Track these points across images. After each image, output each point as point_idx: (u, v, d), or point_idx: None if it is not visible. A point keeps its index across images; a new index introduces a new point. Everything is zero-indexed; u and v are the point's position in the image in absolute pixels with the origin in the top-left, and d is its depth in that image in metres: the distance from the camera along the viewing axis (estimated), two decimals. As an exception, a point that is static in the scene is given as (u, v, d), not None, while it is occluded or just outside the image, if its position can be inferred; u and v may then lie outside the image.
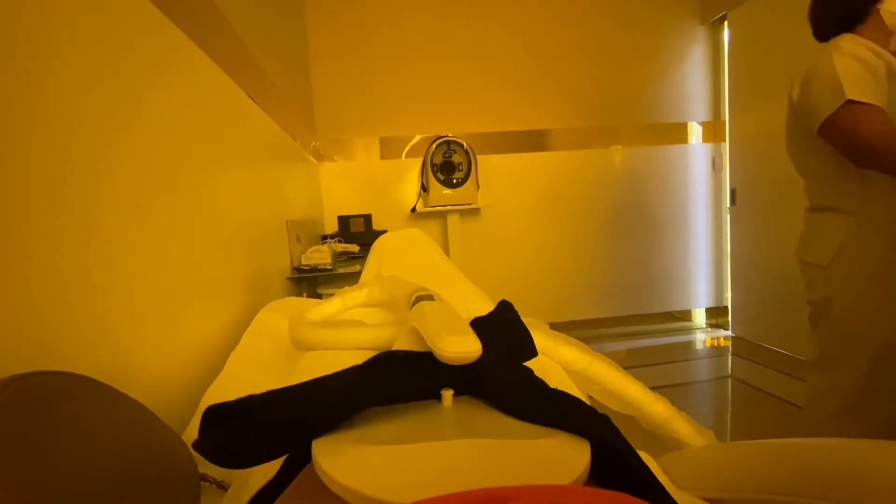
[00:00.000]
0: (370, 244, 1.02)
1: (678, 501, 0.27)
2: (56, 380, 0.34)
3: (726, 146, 2.64)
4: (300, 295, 1.41)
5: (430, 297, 0.49)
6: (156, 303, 0.58)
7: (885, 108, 0.90)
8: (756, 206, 2.37)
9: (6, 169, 0.37)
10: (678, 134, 2.76)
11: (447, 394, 0.30)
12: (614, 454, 0.26)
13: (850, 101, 0.89)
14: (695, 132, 2.78)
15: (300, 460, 0.30)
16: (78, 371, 0.36)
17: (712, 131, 2.75)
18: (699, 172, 2.76)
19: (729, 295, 2.69)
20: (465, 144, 2.43)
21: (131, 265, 0.53)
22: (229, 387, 0.60)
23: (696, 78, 2.73)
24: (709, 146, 2.76)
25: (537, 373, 0.37)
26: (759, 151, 2.33)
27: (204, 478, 0.43)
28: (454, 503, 0.17)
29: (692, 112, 2.75)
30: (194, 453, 0.41)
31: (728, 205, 2.60)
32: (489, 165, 2.54)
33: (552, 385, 0.34)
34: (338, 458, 0.23)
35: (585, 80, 2.63)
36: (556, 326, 0.63)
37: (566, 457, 0.24)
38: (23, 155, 0.39)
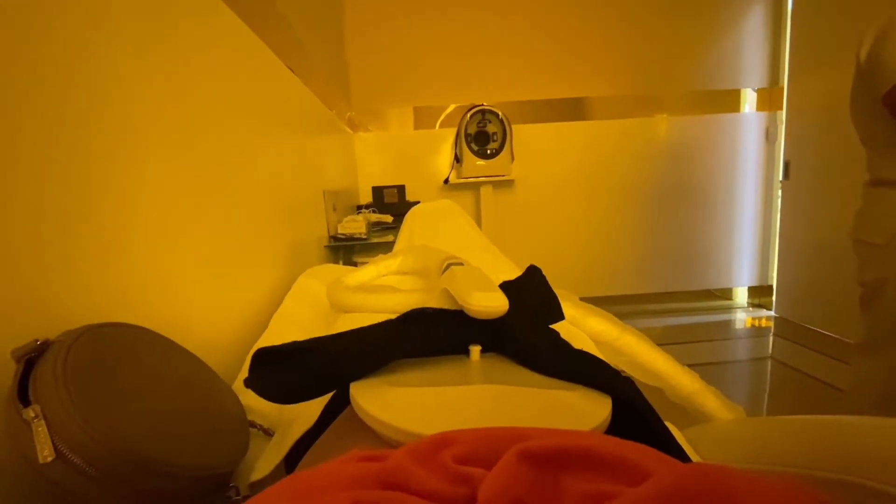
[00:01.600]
0: (403, 214, 1.03)
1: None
2: (125, 330, 0.38)
3: (783, 115, 2.45)
4: (336, 262, 1.46)
5: (460, 265, 0.50)
6: (208, 268, 0.63)
7: None
8: (811, 180, 2.22)
9: (70, 144, 0.40)
10: (730, 101, 2.58)
11: (475, 349, 0.32)
12: (635, 415, 0.27)
13: None
14: (748, 100, 2.59)
15: (337, 411, 0.33)
16: (143, 325, 0.40)
17: (768, 99, 2.56)
18: (751, 143, 2.59)
19: (775, 273, 2.57)
20: (500, 114, 2.37)
21: (189, 234, 0.57)
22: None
23: (752, 40, 2.52)
24: (763, 115, 2.57)
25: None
26: (820, 122, 2.15)
27: (252, 424, 0.47)
28: (482, 437, 0.18)
29: (746, 78, 2.55)
30: (242, 401, 0.45)
31: (780, 178, 2.45)
32: (525, 135, 2.48)
33: (578, 353, 0.35)
34: (373, 396, 0.26)
35: (629, 43, 2.48)
36: (591, 301, 0.62)
37: (587, 408, 0.25)
38: (80, 129, 0.42)
